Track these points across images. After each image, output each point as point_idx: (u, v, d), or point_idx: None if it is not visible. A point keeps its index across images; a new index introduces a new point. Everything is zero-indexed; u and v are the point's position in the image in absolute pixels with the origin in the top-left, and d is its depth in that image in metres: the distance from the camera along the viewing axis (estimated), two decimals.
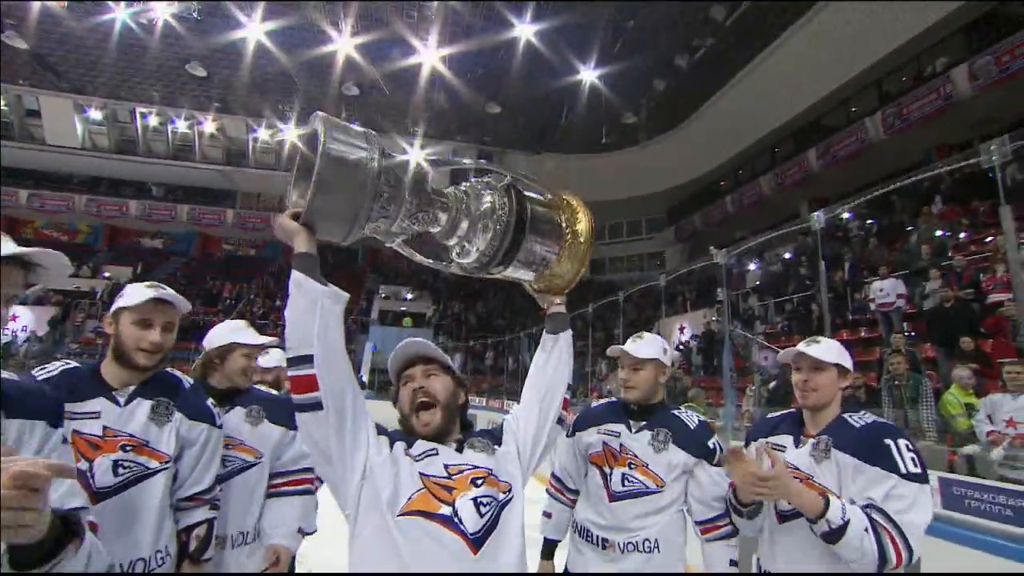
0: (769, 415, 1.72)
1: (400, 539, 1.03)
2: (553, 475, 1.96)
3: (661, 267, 21.07)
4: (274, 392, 2.01)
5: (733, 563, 1.66)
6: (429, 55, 15.18)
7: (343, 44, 14.71)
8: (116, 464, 1.28)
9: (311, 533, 1.74)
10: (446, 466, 1.13)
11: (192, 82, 18.28)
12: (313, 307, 1.04)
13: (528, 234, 1.16)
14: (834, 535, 1.27)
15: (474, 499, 1.09)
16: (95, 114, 19.94)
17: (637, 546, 1.66)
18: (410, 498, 1.07)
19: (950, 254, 8.19)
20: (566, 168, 21.75)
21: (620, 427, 1.78)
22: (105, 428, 1.32)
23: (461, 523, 1.06)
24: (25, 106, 19.77)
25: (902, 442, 1.38)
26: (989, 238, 7.99)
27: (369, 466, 1.09)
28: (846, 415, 1.49)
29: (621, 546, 1.67)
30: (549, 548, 1.90)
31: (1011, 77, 10.13)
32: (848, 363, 1.53)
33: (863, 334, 8.26)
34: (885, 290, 7.49)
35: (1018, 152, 2.49)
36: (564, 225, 1.21)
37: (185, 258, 22.48)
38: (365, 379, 14.85)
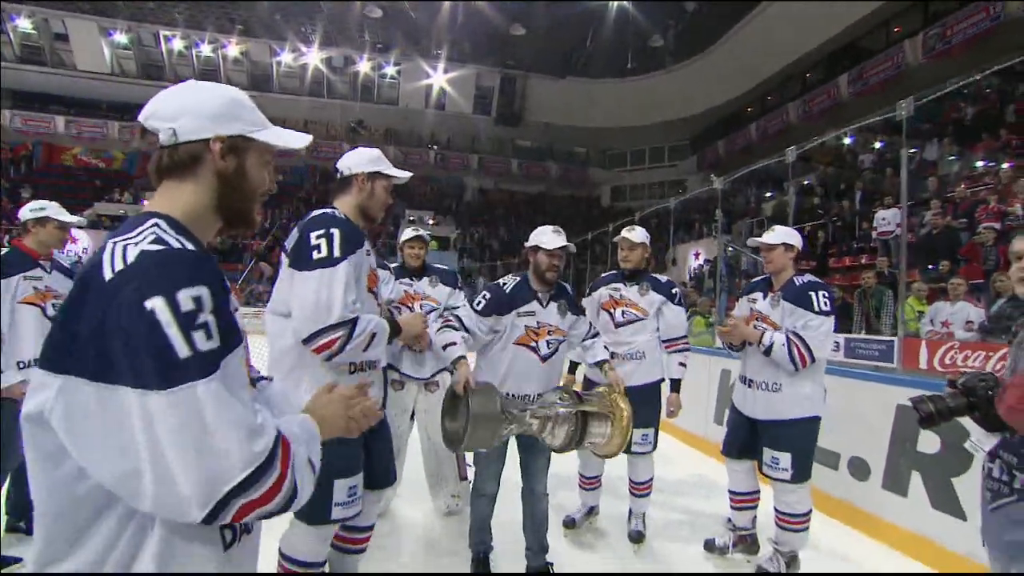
0: (753, 279, 2.71)
1: (509, 356, 2.19)
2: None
3: (682, 195, 21.19)
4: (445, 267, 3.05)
5: (682, 365, 2.70)
6: None
7: None
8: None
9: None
10: (538, 323, 2.21)
11: (215, 4, 18.19)
12: None
13: (590, 427, 2.04)
14: (768, 351, 2.28)
15: (547, 341, 2.22)
16: (120, 38, 20.07)
17: (632, 355, 2.65)
18: (518, 336, 2.20)
19: (963, 185, 8.53)
20: (590, 93, 21.39)
21: (620, 285, 2.75)
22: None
23: (539, 350, 2.21)
24: (52, 29, 19.94)
25: (821, 293, 2.28)
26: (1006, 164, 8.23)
27: (502, 328, 2.21)
28: (795, 278, 2.36)
29: (622, 355, 2.64)
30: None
31: None
32: (793, 240, 2.36)
33: (864, 261, 8.87)
34: (887, 219, 8.00)
35: (921, 109, 3.07)
36: (611, 420, 2.05)
37: None
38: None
